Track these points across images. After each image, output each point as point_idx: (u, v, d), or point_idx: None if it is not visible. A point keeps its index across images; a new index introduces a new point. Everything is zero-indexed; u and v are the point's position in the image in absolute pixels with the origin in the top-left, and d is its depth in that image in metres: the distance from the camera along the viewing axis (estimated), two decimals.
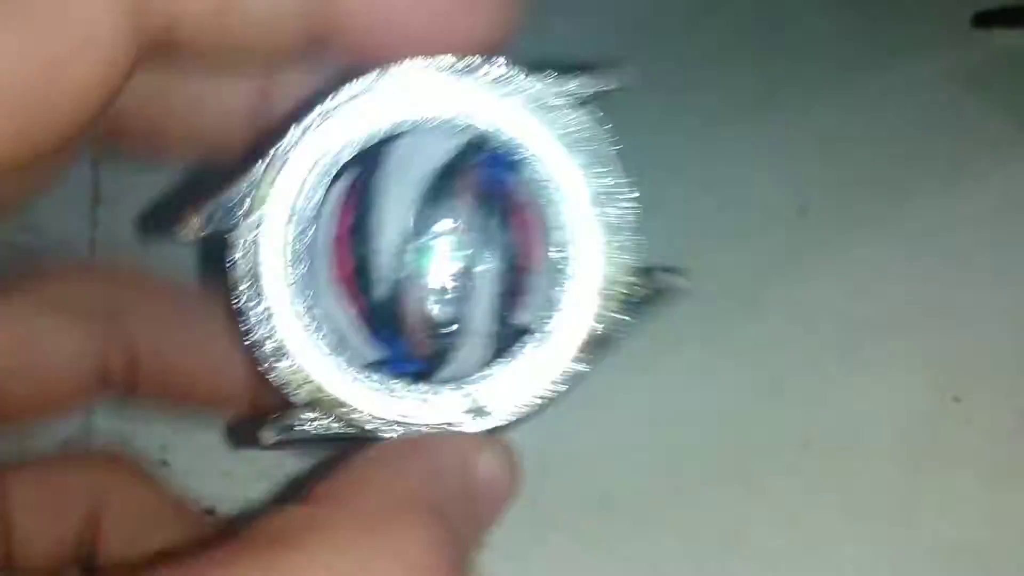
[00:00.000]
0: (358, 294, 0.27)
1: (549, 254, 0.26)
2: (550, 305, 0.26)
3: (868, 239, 0.47)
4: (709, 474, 0.41)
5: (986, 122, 0.50)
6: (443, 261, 0.26)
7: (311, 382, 0.26)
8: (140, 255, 0.46)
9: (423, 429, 0.26)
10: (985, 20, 0.53)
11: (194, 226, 0.25)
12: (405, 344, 0.27)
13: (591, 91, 0.25)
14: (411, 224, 0.26)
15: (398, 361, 0.27)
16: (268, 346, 0.25)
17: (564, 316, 0.26)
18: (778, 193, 0.49)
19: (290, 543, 0.23)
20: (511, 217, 0.26)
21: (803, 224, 0.48)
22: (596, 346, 0.26)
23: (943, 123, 0.51)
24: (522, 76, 0.25)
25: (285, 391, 0.26)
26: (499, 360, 0.26)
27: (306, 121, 0.25)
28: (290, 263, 0.25)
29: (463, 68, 0.25)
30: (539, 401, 0.26)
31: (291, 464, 0.39)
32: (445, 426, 0.26)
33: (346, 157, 0.25)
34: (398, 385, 0.26)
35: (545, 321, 0.26)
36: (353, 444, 0.26)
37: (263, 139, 0.25)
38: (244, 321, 0.25)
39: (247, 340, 0.25)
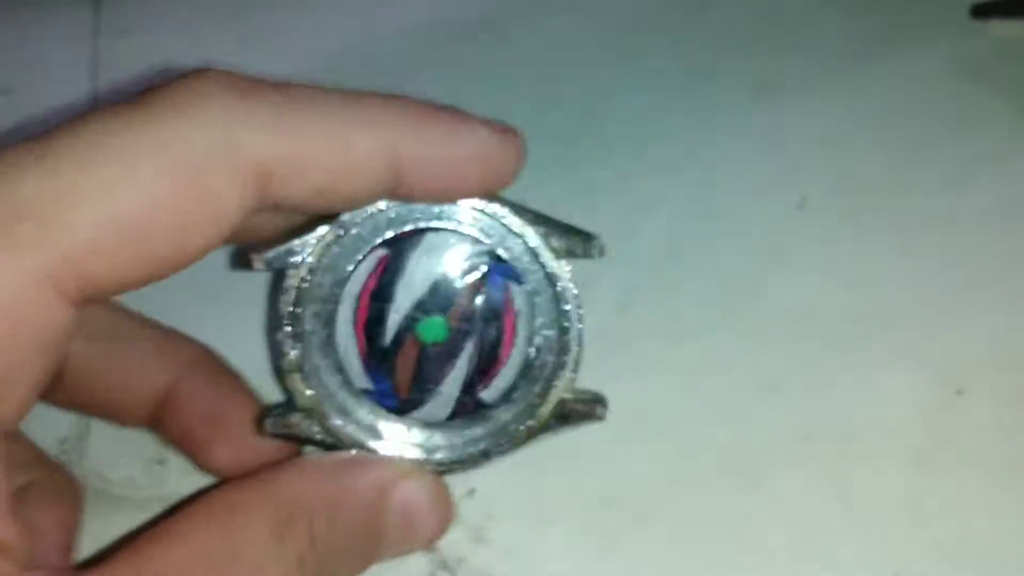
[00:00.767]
0: (366, 336, 0.34)
1: (520, 354, 0.34)
2: (508, 393, 0.34)
3: (868, 232, 0.47)
4: (709, 470, 0.41)
5: (985, 113, 0.50)
6: (440, 333, 0.34)
7: (312, 394, 0.34)
8: None
9: (377, 453, 0.34)
10: (984, 11, 0.53)
11: (264, 259, 0.32)
12: (390, 384, 0.34)
13: (567, 250, 0.33)
14: (424, 297, 0.34)
15: (382, 395, 0.34)
16: (291, 355, 0.33)
17: (514, 407, 0.34)
18: (776, 187, 0.48)
19: None
20: (501, 317, 0.34)
21: (802, 218, 0.48)
22: (527, 433, 0.34)
23: (942, 114, 0.50)
24: (523, 223, 0.33)
25: (290, 395, 0.34)
26: (457, 419, 0.34)
27: (372, 208, 0.32)
28: (323, 300, 0.33)
29: (485, 207, 0.33)
30: (476, 456, 0.34)
31: None
32: (399, 455, 0.34)
33: (389, 235, 0.33)
34: (377, 413, 0.34)
35: (500, 404, 0.34)
36: (326, 451, 0.34)
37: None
38: (277, 333, 0.33)
39: (277, 349, 0.33)
